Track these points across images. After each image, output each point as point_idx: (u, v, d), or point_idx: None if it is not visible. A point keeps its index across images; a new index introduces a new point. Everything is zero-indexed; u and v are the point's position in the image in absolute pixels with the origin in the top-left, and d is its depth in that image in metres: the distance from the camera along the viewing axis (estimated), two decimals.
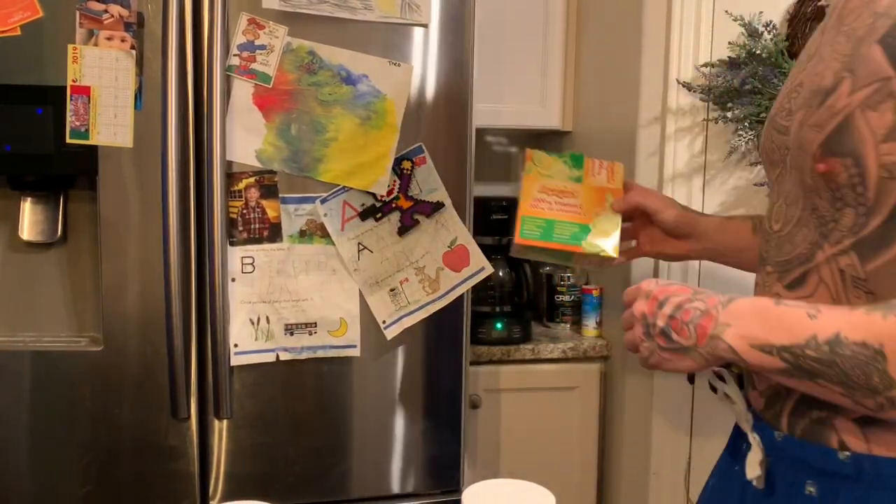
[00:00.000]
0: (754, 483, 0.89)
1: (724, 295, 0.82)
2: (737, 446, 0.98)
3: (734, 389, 0.94)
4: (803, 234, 0.84)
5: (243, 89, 1.42)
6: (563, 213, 1.22)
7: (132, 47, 1.37)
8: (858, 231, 0.78)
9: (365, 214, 1.49)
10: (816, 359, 0.74)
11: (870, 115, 0.75)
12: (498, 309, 2.02)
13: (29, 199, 1.45)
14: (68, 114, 1.36)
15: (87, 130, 1.37)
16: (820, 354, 0.73)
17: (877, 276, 0.78)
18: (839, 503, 0.81)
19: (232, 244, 1.45)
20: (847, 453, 0.81)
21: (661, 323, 0.85)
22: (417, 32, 1.48)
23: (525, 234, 1.23)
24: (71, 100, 1.36)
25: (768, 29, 1.66)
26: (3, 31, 1.34)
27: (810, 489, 0.84)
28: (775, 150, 0.90)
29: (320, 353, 1.50)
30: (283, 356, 1.49)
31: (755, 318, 0.78)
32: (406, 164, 1.50)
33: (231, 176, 1.43)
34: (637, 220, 1.33)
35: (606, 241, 1.23)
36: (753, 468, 0.88)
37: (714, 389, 0.98)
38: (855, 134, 0.76)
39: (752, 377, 0.95)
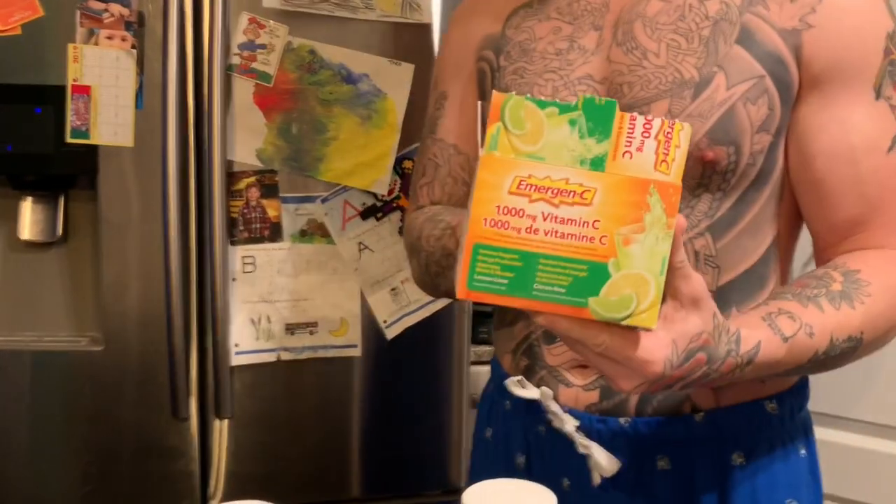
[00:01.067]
0: (596, 481, 0.85)
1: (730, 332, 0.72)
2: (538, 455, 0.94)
3: (545, 393, 0.89)
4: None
5: (244, 89, 1.42)
6: (557, 242, 0.60)
7: (133, 46, 1.37)
8: (713, 215, 0.85)
9: (366, 214, 1.49)
10: (811, 365, 0.77)
11: (750, 108, 0.82)
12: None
13: (29, 198, 1.44)
14: (69, 113, 1.36)
15: (87, 130, 1.37)
16: (817, 363, 0.77)
17: (724, 251, 0.85)
18: (696, 465, 0.86)
19: (232, 244, 1.44)
20: (701, 414, 0.86)
21: (680, 372, 0.68)
22: (418, 31, 1.48)
23: (476, 280, 0.61)
24: (71, 99, 1.36)
25: None
26: (3, 31, 1.33)
27: (661, 463, 0.86)
28: None
29: (321, 353, 1.50)
30: (284, 356, 1.48)
31: (771, 359, 0.74)
32: (407, 164, 1.50)
33: (232, 175, 1.43)
34: None
35: (641, 296, 0.61)
36: (611, 462, 0.84)
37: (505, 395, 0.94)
38: (737, 124, 0.82)
39: (557, 373, 0.90)
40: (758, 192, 0.85)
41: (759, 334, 0.72)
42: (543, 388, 0.90)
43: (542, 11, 0.94)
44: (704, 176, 0.84)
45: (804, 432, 0.92)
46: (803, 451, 0.91)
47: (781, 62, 0.82)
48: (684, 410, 0.86)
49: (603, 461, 0.84)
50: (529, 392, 0.91)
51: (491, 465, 1.00)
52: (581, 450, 0.86)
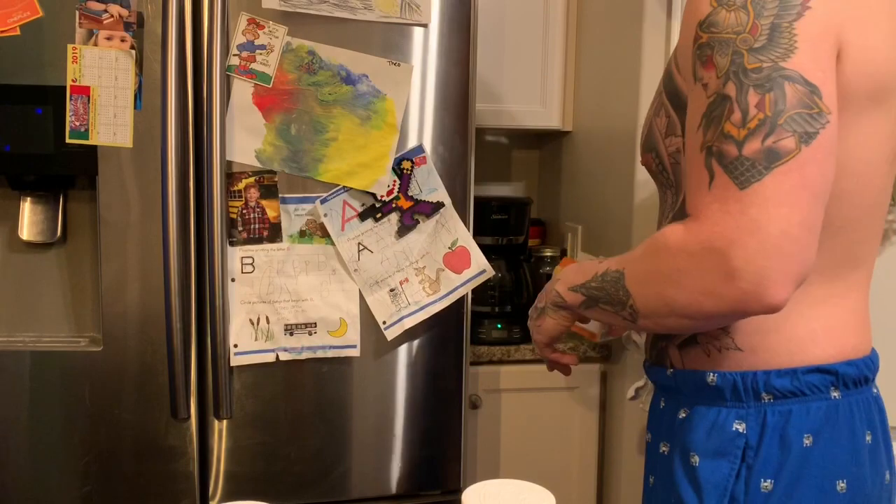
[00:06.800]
0: (640, 406, 1.28)
1: None
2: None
3: (638, 336, 1.28)
4: (659, 215, 1.12)
5: (243, 89, 1.42)
6: None
7: (132, 47, 1.37)
8: (674, 206, 1.04)
9: (365, 214, 1.49)
10: (595, 287, 1.00)
11: (656, 121, 1.04)
12: (498, 309, 2.02)
13: (29, 199, 1.45)
14: (68, 114, 1.36)
15: (86, 130, 1.37)
16: (597, 283, 1.00)
17: None
18: (668, 408, 1.08)
19: (232, 244, 1.44)
20: (671, 370, 1.07)
21: (534, 306, 1.18)
22: (417, 32, 1.48)
23: None
24: (70, 100, 1.36)
25: None
26: (2, 31, 1.33)
27: (662, 402, 1.10)
28: None
29: (320, 354, 1.50)
30: (283, 356, 1.49)
31: (573, 271, 1.06)
32: (406, 164, 1.50)
33: (231, 176, 1.43)
34: None
35: None
36: (630, 391, 1.29)
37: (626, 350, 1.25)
38: (653, 135, 1.06)
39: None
40: None
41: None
42: (633, 336, 1.39)
43: None
44: (655, 176, 1.08)
45: (754, 412, 0.98)
46: (738, 427, 0.98)
47: (670, 76, 1.01)
48: (665, 364, 1.09)
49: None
50: (633, 337, 1.43)
51: None
52: None
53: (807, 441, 0.96)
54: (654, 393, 1.15)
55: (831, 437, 0.97)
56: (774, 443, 0.97)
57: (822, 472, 0.96)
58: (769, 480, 0.96)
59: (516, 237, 2.05)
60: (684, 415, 1.03)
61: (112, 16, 1.36)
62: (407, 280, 1.51)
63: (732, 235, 0.82)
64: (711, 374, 1.00)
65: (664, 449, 1.07)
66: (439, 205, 1.52)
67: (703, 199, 0.85)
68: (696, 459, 1.00)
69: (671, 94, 1.00)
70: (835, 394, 0.98)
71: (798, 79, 0.83)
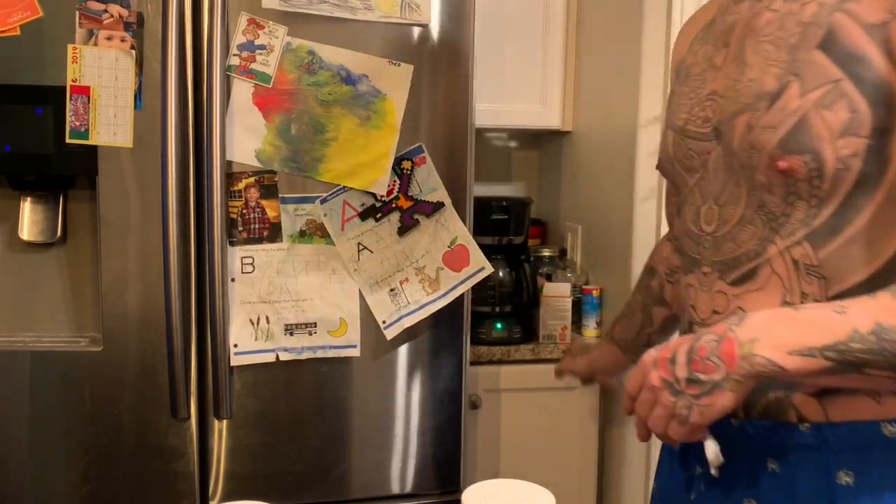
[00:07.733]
0: (713, 472, 0.89)
1: (727, 319, 0.80)
2: (684, 445, 0.99)
3: None
4: (749, 232, 0.88)
5: (243, 89, 1.42)
6: None
7: (132, 47, 1.37)
8: (810, 222, 0.83)
9: (365, 214, 1.49)
10: (864, 350, 0.75)
11: (825, 114, 0.81)
12: (498, 309, 2.02)
13: (29, 198, 1.45)
14: (68, 114, 1.36)
15: (86, 130, 1.37)
16: (867, 345, 0.75)
17: (828, 261, 0.83)
18: (800, 474, 0.86)
19: (232, 244, 1.45)
20: (807, 424, 0.85)
21: (682, 373, 0.80)
22: (417, 32, 1.48)
23: None
24: (70, 100, 1.36)
25: None
26: (2, 31, 1.34)
27: (772, 466, 0.88)
28: (692, 157, 0.96)
29: (320, 354, 1.50)
30: (283, 356, 1.49)
31: (782, 326, 0.78)
32: (406, 164, 1.50)
33: (231, 176, 1.43)
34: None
35: None
36: (717, 456, 0.87)
37: None
38: (812, 131, 0.81)
39: None
40: (866, 198, 0.81)
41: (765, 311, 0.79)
42: None
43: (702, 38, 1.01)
44: (789, 184, 0.84)
45: None
46: None
47: (864, 61, 0.80)
48: (789, 419, 0.86)
49: (709, 454, 0.87)
50: None
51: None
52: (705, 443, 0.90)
53: None
54: (750, 454, 0.92)
55: None
56: None
57: None
58: None
59: (516, 237, 2.05)
60: (849, 480, 0.83)
61: (112, 16, 1.36)
62: (407, 280, 1.52)
63: None
64: (889, 424, 0.82)
65: None
66: (439, 204, 1.52)
67: None
68: None
69: (868, 84, 0.80)
70: None
71: None
